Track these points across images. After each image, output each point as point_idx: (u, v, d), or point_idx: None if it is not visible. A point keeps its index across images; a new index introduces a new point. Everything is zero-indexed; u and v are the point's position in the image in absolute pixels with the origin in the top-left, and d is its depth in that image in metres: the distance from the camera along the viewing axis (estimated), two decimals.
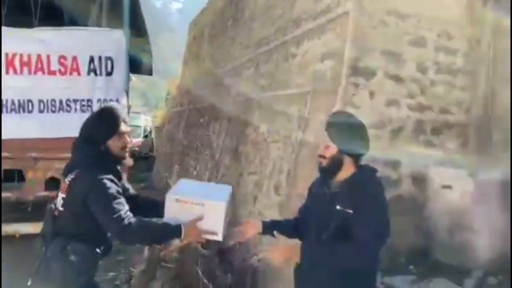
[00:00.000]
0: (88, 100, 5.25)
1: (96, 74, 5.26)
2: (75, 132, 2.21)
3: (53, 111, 5.20)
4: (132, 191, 2.35)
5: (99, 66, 5.26)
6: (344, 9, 4.00)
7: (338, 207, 1.82)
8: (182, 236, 1.96)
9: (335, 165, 1.91)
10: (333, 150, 1.90)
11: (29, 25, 5.41)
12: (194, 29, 11.90)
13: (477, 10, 4.47)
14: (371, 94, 4.05)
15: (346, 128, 1.92)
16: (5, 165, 5.06)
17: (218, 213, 1.95)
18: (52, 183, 5.07)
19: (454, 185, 3.86)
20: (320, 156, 1.95)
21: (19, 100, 5.11)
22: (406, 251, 4.06)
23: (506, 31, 4.29)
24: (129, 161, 2.47)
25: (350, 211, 1.79)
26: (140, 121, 16.17)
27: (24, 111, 5.13)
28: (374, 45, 4.05)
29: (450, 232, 3.91)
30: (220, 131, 6.82)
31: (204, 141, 7.46)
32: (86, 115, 2.53)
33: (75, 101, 5.23)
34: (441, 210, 3.99)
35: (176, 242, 3.68)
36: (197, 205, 1.95)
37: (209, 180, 6.31)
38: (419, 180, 4.22)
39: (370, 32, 4.02)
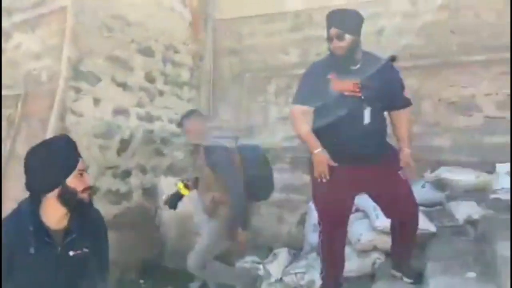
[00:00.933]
0: None
1: None
2: None
3: None
4: None
5: None
6: (61, 4, 3.55)
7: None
8: None
9: None
10: None
11: None
12: None
13: (200, 30, 4.87)
14: (96, 101, 3.74)
15: None
16: None
17: None
18: None
19: None
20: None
21: None
22: (137, 265, 3.94)
23: (224, 52, 4.84)
24: None
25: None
26: None
27: None
28: (99, 48, 3.77)
29: (178, 237, 4.05)
30: None
31: None
32: None
33: None
34: (170, 217, 4.08)
35: None
36: None
37: None
38: (149, 190, 4.20)
39: (94, 34, 3.72)
